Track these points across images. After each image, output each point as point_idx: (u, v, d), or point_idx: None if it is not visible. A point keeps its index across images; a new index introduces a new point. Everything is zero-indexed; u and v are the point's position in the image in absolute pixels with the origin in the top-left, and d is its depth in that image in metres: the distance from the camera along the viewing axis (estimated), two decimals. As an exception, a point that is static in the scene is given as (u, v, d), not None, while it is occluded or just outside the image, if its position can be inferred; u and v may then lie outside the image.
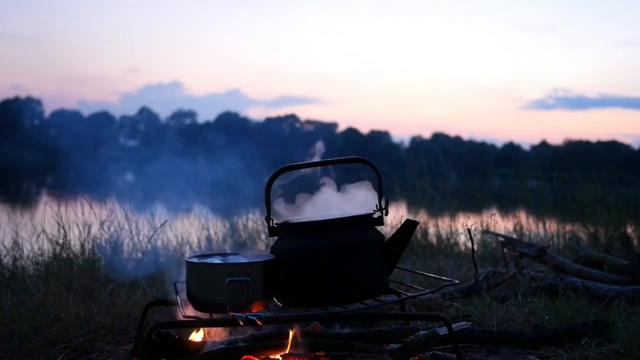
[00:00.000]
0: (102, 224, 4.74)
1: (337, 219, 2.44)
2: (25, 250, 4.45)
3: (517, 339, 2.99)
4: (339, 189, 2.71)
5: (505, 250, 4.64)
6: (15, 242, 4.52)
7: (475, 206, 7.21)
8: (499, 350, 2.93)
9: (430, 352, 2.64)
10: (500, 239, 5.44)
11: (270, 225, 2.52)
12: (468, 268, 4.70)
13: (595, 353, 2.75)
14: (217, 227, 5.99)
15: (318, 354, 2.45)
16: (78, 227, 4.68)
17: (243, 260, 2.44)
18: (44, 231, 4.48)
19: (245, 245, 5.62)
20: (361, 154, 2.66)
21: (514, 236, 6.06)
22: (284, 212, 2.63)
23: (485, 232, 5.60)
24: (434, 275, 2.89)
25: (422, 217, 6.72)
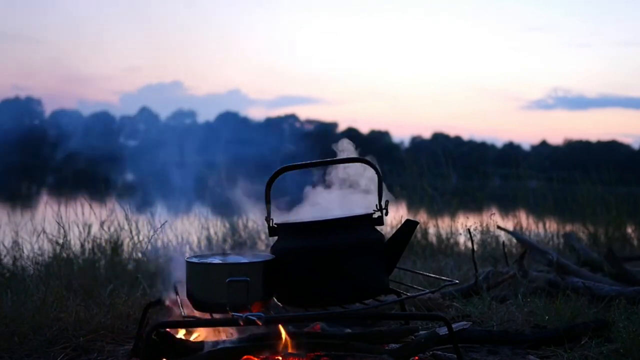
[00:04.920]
0: (102, 224, 4.75)
1: (337, 219, 2.44)
2: (25, 250, 4.46)
3: (517, 339, 2.99)
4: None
5: (505, 250, 4.64)
6: (15, 242, 4.52)
7: (475, 206, 7.20)
8: (499, 350, 2.93)
9: (430, 352, 2.64)
10: (502, 237, 5.45)
11: (270, 225, 2.52)
12: (468, 268, 4.70)
13: (595, 353, 2.75)
14: (217, 227, 6.00)
15: (318, 354, 2.45)
16: (78, 227, 4.69)
17: (243, 260, 2.44)
18: (44, 231, 4.49)
19: (245, 245, 5.62)
20: (361, 154, 2.66)
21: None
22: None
23: (499, 229, 5.60)
24: (434, 275, 2.88)
25: (422, 217, 6.71)
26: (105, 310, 3.26)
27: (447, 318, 2.48)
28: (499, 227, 5.58)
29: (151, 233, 4.54)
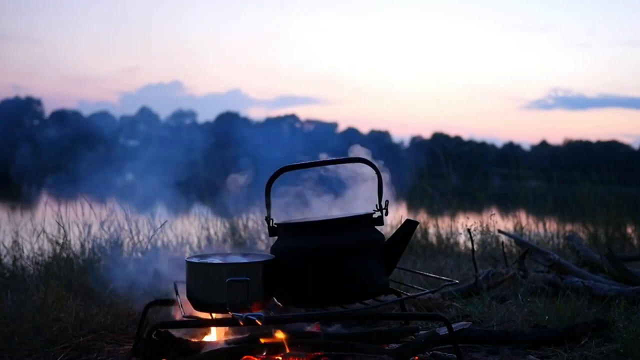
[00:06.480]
0: (102, 224, 4.74)
1: (336, 219, 2.44)
2: (25, 250, 4.45)
3: (517, 339, 2.99)
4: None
5: (505, 250, 4.63)
6: (15, 242, 4.51)
7: (475, 206, 7.20)
8: (499, 350, 2.93)
9: (430, 352, 2.64)
10: (502, 237, 5.43)
11: (270, 225, 2.52)
12: (468, 268, 4.70)
13: (595, 353, 2.75)
14: (217, 227, 5.99)
15: (318, 354, 2.45)
16: (78, 227, 4.68)
17: (243, 260, 2.44)
18: (44, 231, 4.48)
19: (245, 245, 5.61)
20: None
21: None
22: None
23: (500, 232, 5.60)
24: (434, 275, 2.89)
25: (422, 217, 6.71)
26: (105, 310, 3.26)
27: (447, 318, 2.48)
28: (500, 232, 5.58)
29: (151, 233, 4.54)
